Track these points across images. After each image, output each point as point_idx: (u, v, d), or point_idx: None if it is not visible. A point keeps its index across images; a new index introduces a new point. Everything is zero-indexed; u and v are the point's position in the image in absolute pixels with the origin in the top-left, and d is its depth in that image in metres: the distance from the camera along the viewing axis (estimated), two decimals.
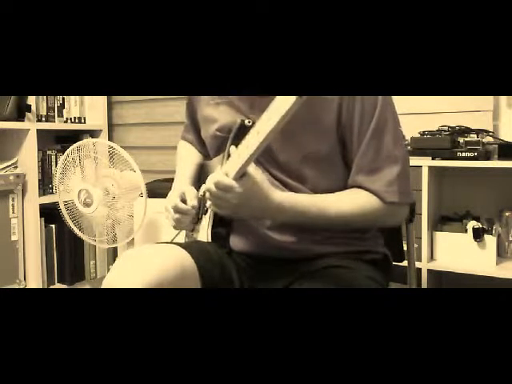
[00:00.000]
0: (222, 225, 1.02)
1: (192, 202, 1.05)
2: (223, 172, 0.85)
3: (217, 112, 1.07)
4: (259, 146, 0.78)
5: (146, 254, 0.92)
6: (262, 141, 0.77)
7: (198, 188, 1.11)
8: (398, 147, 0.98)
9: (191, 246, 0.98)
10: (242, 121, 0.87)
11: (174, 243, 0.99)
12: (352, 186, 1.00)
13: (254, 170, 0.86)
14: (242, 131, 0.84)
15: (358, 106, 0.96)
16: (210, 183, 0.87)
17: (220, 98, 1.06)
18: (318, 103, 0.96)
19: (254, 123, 0.81)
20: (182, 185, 1.12)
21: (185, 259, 0.94)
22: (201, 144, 1.21)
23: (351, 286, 0.95)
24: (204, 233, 1.03)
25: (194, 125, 1.21)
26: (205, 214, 1.05)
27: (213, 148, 1.10)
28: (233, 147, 0.87)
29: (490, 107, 1.84)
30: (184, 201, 1.07)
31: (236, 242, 1.05)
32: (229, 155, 0.87)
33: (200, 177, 1.19)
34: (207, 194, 0.90)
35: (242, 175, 0.83)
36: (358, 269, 1.00)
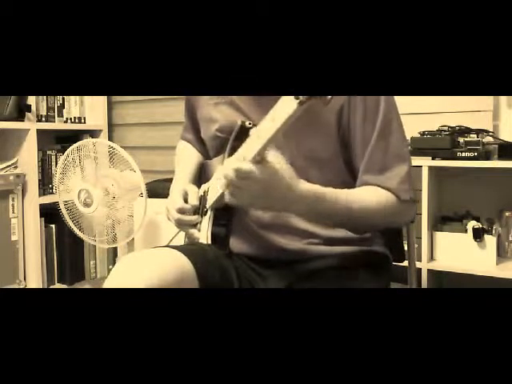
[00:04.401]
0: (221, 226, 1.02)
1: (193, 201, 1.05)
2: (241, 158, 0.81)
3: (217, 112, 1.06)
4: (270, 140, 0.74)
5: (144, 259, 0.92)
6: (270, 137, 0.73)
7: (198, 188, 1.11)
8: (404, 146, 0.99)
9: (189, 249, 0.98)
10: (243, 122, 0.87)
11: (172, 247, 0.99)
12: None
13: (275, 157, 0.81)
14: (242, 133, 0.84)
15: (359, 109, 0.95)
16: (229, 169, 0.80)
17: (219, 97, 1.06)
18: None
19: (254, 125, 0.80)
20: (183, 184, 1.12)
21: (183, 263, 0.93)
22: (200, 144, 1.20)
23: (351, 286, 0.95)
24: (204, 234, 1.03)
25: (193, 124, 1.21)
26: (204, 215, 1.05)
27: (213, 148, 1.10)
28: (253, 129, 0.80)
29: (490, 107, 1.84)
30: (186, 200, 1.07)
31: (235, 244, 1.05)
32: (229, 156, 0.87)
33: (200, 177, 1.18)
34: (223, 182, 0.83)
35: (259, 162, 0.78)
36: (358, 269, 1.00)
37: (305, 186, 0.86)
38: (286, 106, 0.68)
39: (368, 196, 0.95)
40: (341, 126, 0.97)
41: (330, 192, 0.90)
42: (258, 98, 0.97)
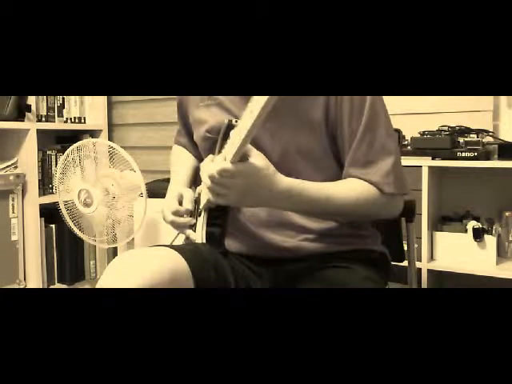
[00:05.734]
0: (216, 225, 1.02)
1: (187, 204, 1.06)
2: (222, 159, 0.83)
3: (207, 114, 1.07)
4: (245, 139, 0.77)
5: (139, 258, 0.92)
6: (244, 136, 0.76)
7: (193, 191, 1.11)
8: (390, 139, 0.99)
9: (184, 248, 0.98)
10: (230, 121, 0.87)
11: (167, 246, 0.99)
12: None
13: (257, 155, 0.83)
14: (230, 131, 0.84)
15: (346, 102, 0.96)
16: (212, 170, 0.83)
17: (209, 99, 1.06)
18: (304, 100, 0.97)
19: None
20: (179, 187, 1.12)
21: (178, 261, 0.93)
22: (194, 147, 1.21)
23: (349, 286, 0.95)
24: (199, 234, 1.03)
25: (186, 128, 1.22)
26: (199, 216, 1.05)
27: (204, 150, 1.10)
28: (232, 132, 0.84)
29: (490, 107, 1.84)
30: (181, 203, 1.07)
31: (231, 243, 1.05)
32: (219, 154, 0.87)
33: (195, 180, 1.19)
34: (209, 183, 0.86)
35: (241, 160, 0.81)
36: (355, 268, 1.00)
37: (287, 180, 0.89)
38: (262, 96, 0.70)
39: (350, 189, 0.97)
40: (328, 120, 0.98)
41: (312, 185, 0.93)
42: (247, 98, 0.96)
